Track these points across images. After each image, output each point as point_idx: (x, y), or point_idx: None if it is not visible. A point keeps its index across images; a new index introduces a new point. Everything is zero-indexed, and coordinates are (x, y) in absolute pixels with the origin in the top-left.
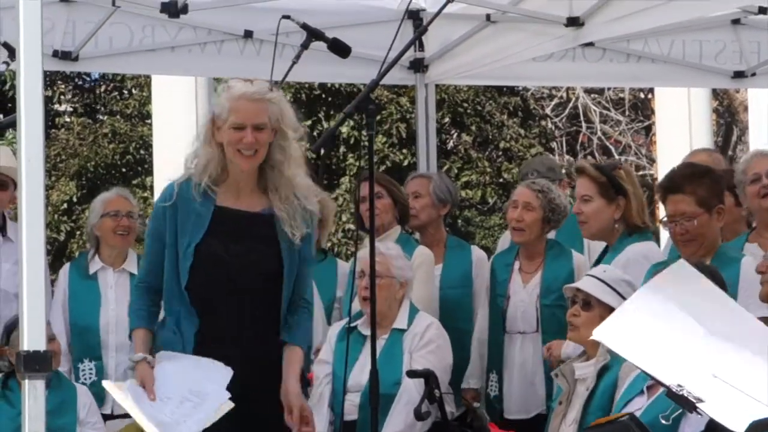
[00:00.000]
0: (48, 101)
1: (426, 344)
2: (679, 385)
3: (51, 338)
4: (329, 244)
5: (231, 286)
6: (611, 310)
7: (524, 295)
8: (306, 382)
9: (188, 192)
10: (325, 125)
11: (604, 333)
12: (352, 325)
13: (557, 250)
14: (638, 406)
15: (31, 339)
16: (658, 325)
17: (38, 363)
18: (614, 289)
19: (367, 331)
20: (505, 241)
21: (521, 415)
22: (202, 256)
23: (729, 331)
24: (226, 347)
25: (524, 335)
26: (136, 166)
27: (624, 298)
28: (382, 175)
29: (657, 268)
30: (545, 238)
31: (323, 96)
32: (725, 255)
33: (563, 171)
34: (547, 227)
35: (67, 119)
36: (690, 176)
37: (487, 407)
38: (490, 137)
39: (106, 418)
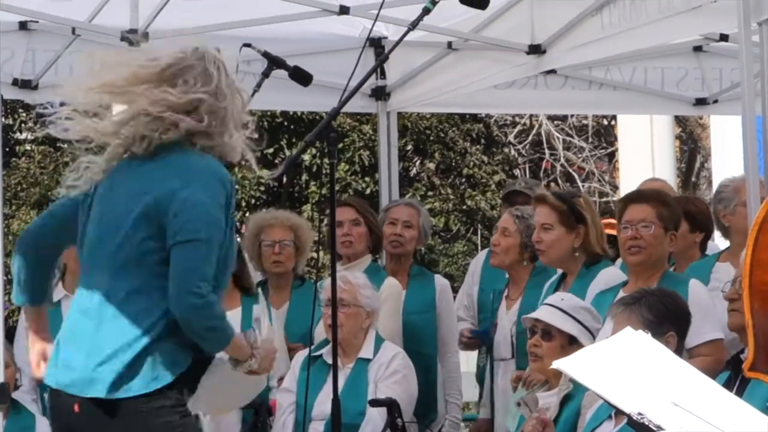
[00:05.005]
0: (8, 129)
1: (392, 374)
2: (640, 413)
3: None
4: None
5: None
6: (572, 338)
7: (506, 321)
8: (268, 411)
9: None
10: (288, 153)
11: (565, 362)
12: (318, 353)
13: (541, 277)
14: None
15: None
16: (618, 355)
17: None
18: (573, 317)
19: (331, 360)
20: (477, 263)
21: None
22: None
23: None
24: None
25: (505, 362)
26: None
27: (584, 326)
28: (361, 202)
29: (603, 293)
30: (530, 265)
31: (285, 124)
32: (672, 279)
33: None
34: (526, 254)
35: (28, 147)
36: (657, 194)
37: None
38: (453, 164)
39: None
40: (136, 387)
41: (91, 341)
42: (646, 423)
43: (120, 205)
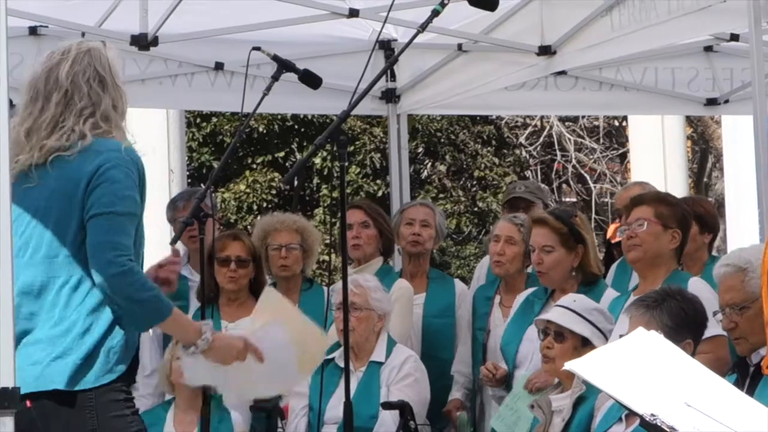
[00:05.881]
0: None
1: (404, 377)
2: (653, 414)
3: None
4: None
5: None
6: (584, 340)
7: (502, 330)
8: (281, 414)
9: None
10: (299, 156)
11: (577, 363)
12: (330, 356)
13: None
14: None
15: None
16: (630, 356)
17: (7, 399)
18: (585, 318)
19: (343, 363)
20: (482, 269)
21: None
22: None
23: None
24: None
25: None
26: None
27: (596, 327)
28: (371, 204)
29: (616, 299)
30: (525, 272)
31: (296, 127)
32: (675, 277)
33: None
34: (527, 261)
35: None
36: (656, 194)
37: None
38: (465, 166)
39: None
40: (92, 379)
41: (42, 336)
42: (659, 424)
43: (46, 198)
